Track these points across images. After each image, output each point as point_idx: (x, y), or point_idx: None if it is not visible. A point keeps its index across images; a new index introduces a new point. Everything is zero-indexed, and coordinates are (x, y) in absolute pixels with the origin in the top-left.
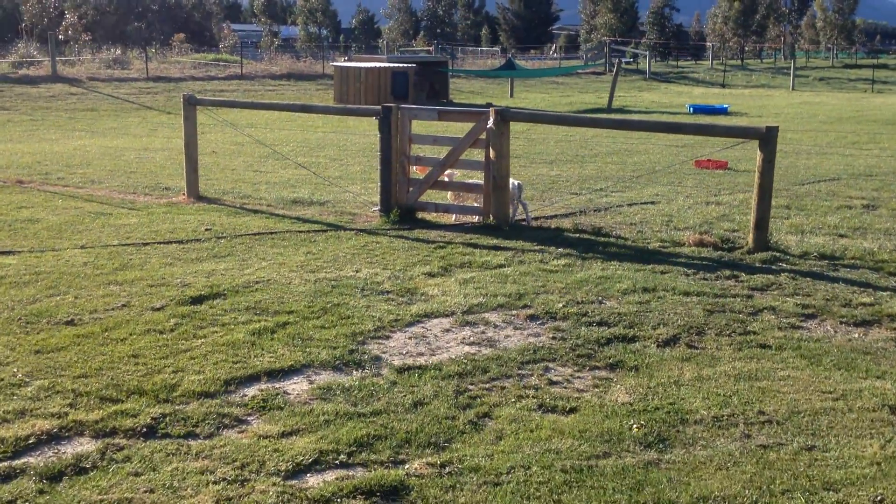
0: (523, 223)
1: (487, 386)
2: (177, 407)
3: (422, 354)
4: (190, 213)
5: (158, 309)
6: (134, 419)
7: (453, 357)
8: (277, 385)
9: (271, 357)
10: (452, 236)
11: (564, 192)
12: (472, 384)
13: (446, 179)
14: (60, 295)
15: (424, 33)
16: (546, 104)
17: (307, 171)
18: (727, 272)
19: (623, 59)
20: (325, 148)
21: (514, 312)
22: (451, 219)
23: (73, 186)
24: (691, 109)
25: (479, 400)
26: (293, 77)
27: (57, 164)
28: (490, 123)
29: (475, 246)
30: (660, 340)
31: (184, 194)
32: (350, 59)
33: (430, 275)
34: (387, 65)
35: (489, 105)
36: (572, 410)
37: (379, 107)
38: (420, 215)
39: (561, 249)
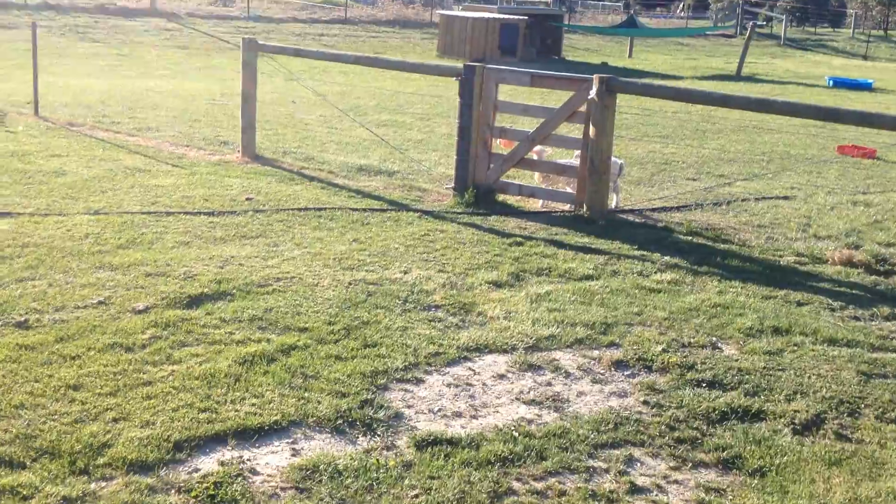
0: (620, 214)
1: (539, 487)
2: (91, 487)
3: (459, 415)
4: (237, 176)
5: (141, 312)
6: None
7: (501, 426)
8: (247, 455)
9: (253, 405)
10: (534, 228)
11: (679, 177)
12: (518, 479)
13: (535, 157)
14: (34, 280)
15: None
16: (668, 67)
17: (385, 131)
18: (886, 310)
19: (756, 23)
20: (415, 103)
21: (596, 354)
22: (538, 205)
23: (124, 133)
24: (831, 82)
25: None
26: (399, 24)
27: (120, 106)
28: (592, 94)
29: (560, 245)
30: (797, 422)
31: (239, 152)
32: (464, 8)
33: (496, 284)
34: (496, 16)
35: (604, 64)
36: None
37: (460, 65)
38: (500, 198)
39: (667, 258)
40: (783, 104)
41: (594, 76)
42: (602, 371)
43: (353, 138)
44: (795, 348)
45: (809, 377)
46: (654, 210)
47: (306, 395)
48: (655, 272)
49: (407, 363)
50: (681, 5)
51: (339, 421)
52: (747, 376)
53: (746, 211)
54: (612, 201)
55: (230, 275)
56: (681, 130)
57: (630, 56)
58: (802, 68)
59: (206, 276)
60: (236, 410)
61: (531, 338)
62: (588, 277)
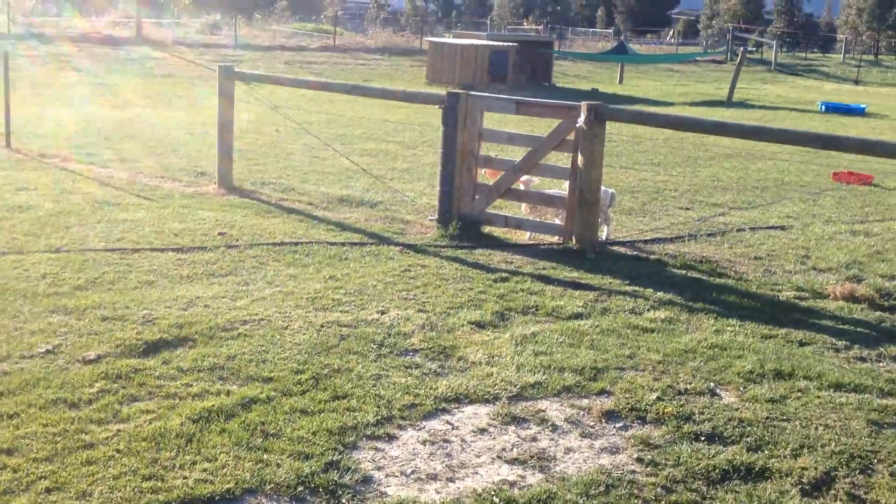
0: (611, 246)
1: None
2: None
3: (434, 478)
4: (211, 209)
5: (91, 361)
6: None
7: (480, 490)
8: None
9: (205, 470)
10: (521, 262)
11: (671, 206)
12: None
13: (521, 188)
14: None
15: (538, 12)
16: (658, 93)
17: (370, 161)
18: (894, 349)
19: (746, 48)
20: (401, 131)
21: (585, 403)
22: (525, 237)
23: (97, 165)
24: (823, 108)
25: None
26: (388, 51)
27: (96, 136)
28: (580, 122)
29: (547, 280)
30: (805, 481)
31: (215, 183)
32: (454, 35)
33: (479, 325)
34: (485, 42)
35: (594, 91)
36: None
37: (444, 92)
38: (486, 230)
39: (661, 294)
40: (780, 132)
41: (582, 103)
42: (592, 423)
43: (337, 168)
44: (800, 395)
45: (816, 428)
46: (646, 242)
47: (265, 457)
48: (648, 309)
49: (379, 417)
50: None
51: (300, 488)
52: (749, 428)
53: (742, 242)
54: (603, 232)
55: (193, 318)
56: (672, 158)
57: (620, 82)
58: (794, 93)
59: (166, 320)
60: (185, 477)
61: (515, 385)
62: (577, 316)
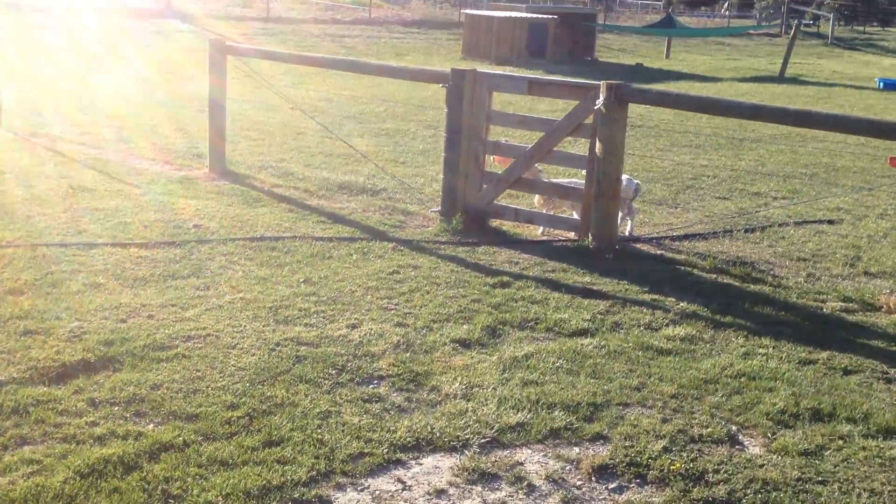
0: (634, 244)
1: None
2: None
3: None
4: (195, 197)
5: None
6: None
7: None
8: None
9: None
10: (528, 263)
11: (707, 196)
12: None
13: (535, 177)
14: None
15: None
16: (707, 68)
17: (385, 141)
18: None
19: (803, 21)
20: (427, 109)
21: (575, 454)
22: (538, 232)
23: (89, 145)
24: (881, 84)
25: None
26: (425, 24)
27: (97, 114)
28: (599, 104)
29: (554, 286)
30: None
31: (207, 167)
32: (491, 6)
33: (463, 344)
34: (524, 15)
35: (639, 66)
36: None
37: (447, 70)
38: (494, 223)
39: (684, 304)
40: (827, 117)
41: (602, 82)
42: (579, 482)
43: (346, 150)
44: (841, 444)
45: (859, 495)
46: (674, 238)
47: None
48: (667, 324)
49: (315, 473)
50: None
51: None
52: (775, 493)
53: (784, 239)
54: (626, 228)
55: (129, 332)
56: (714, 139)
57: (667, 57)
58: (850, 69)
59: (97, 335)
60: None
61: (492, 428)
62: (581, 333)
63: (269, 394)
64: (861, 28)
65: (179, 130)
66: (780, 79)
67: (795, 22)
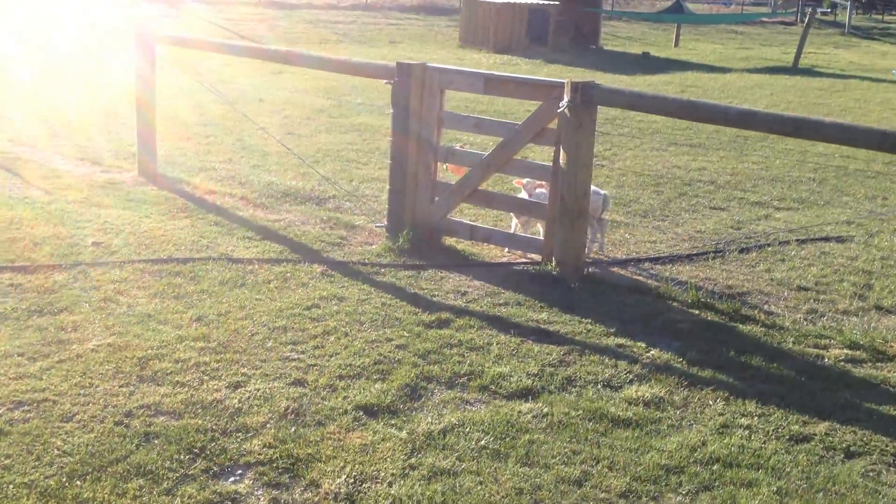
0: (608, 267)
1: None
2: None
3: None
4: (110, 206)
5: None
6: None
7: None
8: None
9: None
10: (477, 293)
11: (701, 205)
12: None
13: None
14: None
15: None
16: (717, 57)
17: (353, 138)
18: None
19: (820, 9)
20: None
21: None
22: (503, 252)
23: (15, 143)
24: None
25: None
26: (424, 10)
27: (36, 110)
28: (563, 106)
29: (502, 326)
30: None
31: (136, 170)
32: None
33: (369, 411)
34: (524, 0)
35: (645, 55)
36: None
37: (393, 64)
38: (447, 241)
39: (655, 351)
40: (831, 127)
41: (566, 81)
42: None
43: (310, 148)
44: None
45: None
46: (655, 260)
47: None
48: (630, 381)
49: None
50: None
51: None
52: None
53: (784, 262)
54: (596, 246)
55: None
56: (718, 137)
57: (676, 45)
58: (867, 59)
59: None
60: None
61: None
62: (523, 394)
63: (86, 494)
64: (880, 16)
65: (125, 125)
66: (794, 69)
67: (809, 10)
